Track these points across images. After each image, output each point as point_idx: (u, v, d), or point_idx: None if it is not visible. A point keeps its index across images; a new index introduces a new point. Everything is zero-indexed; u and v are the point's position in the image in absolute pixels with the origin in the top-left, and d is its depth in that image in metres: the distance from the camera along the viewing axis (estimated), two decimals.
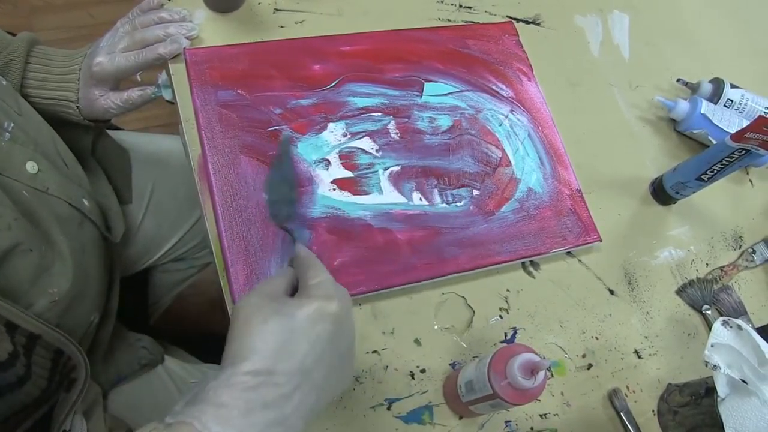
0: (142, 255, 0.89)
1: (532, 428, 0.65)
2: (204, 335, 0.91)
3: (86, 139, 0.76)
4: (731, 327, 0.62)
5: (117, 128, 0.94)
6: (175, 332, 1.01)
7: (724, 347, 0.61)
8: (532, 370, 0.53)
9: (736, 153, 0.71)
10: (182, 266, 0.99)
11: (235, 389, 0.40)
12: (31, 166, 0.56)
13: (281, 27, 0.76)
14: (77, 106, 0.68)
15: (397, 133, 0.72)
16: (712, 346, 0.61)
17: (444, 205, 0.70)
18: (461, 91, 0.78)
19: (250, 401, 0.40)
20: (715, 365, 0.60)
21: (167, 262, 0.95)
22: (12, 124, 0.56)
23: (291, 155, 0.66)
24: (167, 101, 0.76)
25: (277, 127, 0.68)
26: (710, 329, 0.63)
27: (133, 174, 0.85)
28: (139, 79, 0.71)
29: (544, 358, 0.53)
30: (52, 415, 0.56)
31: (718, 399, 0.59)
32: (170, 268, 0.98)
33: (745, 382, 0.58)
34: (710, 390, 0.64)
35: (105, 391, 0.72)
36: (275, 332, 0.43)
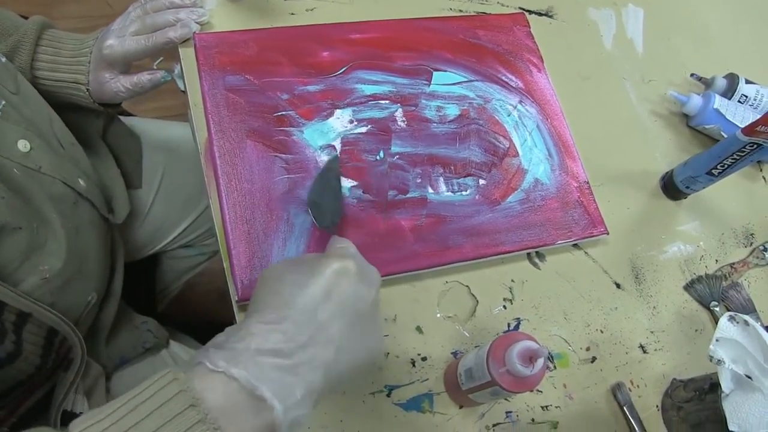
0: (150, 240, 0.90)
1: (533, 420, 0.65)
2: (212, 324, 0.92)
3: (97, 123, 0.77)
4: (738, 322, 0.61)
5: (130, 114, 0.95)
6: (183, 320, 1.01)
7: (730, 342, 0.60)
8: (530, 358, 0.52)
9: (747, 147, 0.70)
10: (191, 253, 1.00)
11: (247, 336, 0.41)
12: (23, 145, 0.56)
13: (292, 14, 0.76)
14: (87, 89, 0.69)
15: (404, 121, 0.72)
16: (717, 340, 0.60)
17: (449, 193, 0.70)
18: (470, 80, 0.77)
19: (260, 345, 0.41)
20: (719, 360, 0.59)
21: (176, 248, 0.95)
22: (2, 102, 0.56)
23: (339, 171, 0.66)
24: (182, 91, 0.76)
25: (283, 113, 0.68)
26: None
27: (143, 159, 0.86)
28: (155, 68, 0.71)
29: (543, 346, 0.52)
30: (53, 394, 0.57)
31: (722, 394, 0.58)
32: (178, 255, 0.99)
33: (749, 377, 0.57)
34: (714, 385, 0.63)
35: (108, 372, 0.73)
36: (288, 286, 0.44)
